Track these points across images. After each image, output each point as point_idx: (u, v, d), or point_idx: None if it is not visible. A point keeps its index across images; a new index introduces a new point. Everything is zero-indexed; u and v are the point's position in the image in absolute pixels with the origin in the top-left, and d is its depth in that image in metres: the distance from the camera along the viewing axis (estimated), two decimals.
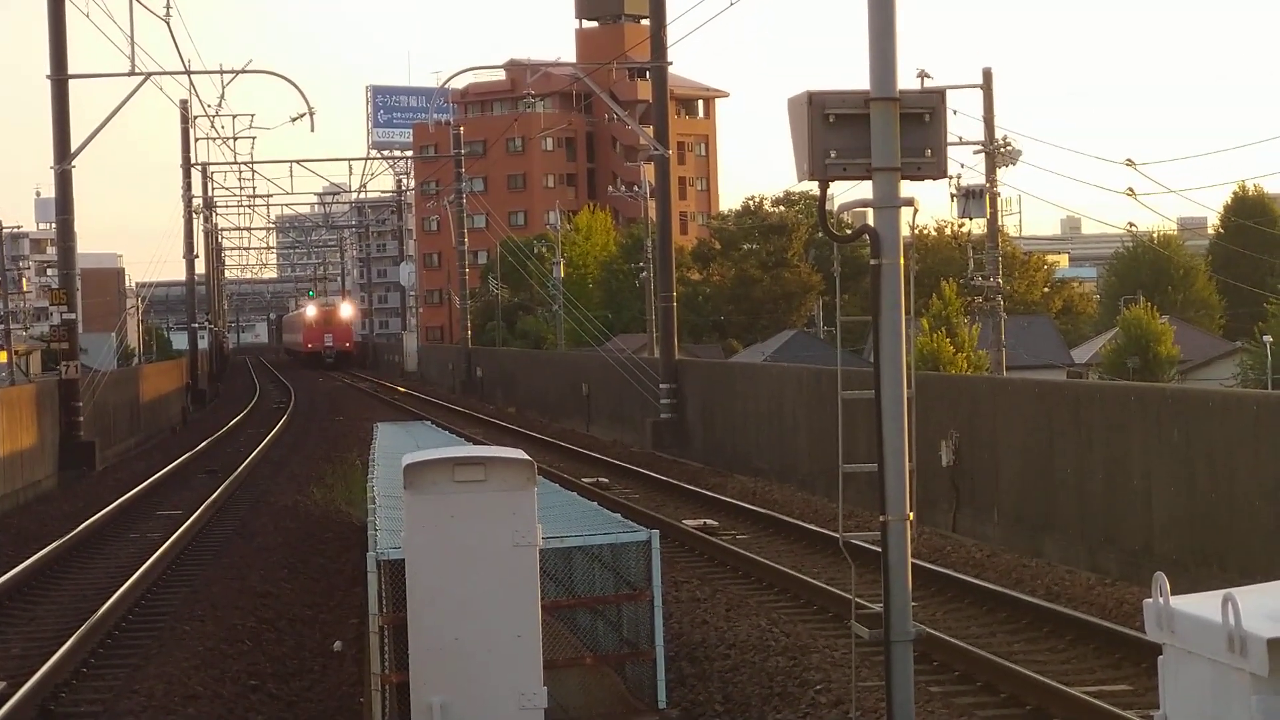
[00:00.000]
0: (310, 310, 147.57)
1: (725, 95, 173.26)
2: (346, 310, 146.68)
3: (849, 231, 13.33)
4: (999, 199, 53.63)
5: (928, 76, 49.90)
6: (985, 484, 27.35)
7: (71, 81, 46.38)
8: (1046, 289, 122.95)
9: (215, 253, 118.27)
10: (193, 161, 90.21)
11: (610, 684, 15.65)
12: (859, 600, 13.22)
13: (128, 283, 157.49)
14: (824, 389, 34.45)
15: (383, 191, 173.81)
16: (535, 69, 66.68)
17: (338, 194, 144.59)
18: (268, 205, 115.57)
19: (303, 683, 18.09)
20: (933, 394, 28.47)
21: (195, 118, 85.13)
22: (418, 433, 31.84)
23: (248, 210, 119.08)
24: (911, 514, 12.07)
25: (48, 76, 45.89)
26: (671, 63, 48.39)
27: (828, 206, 12.60)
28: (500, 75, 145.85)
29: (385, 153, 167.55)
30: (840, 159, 11.91)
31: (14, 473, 37.81)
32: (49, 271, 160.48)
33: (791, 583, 22.86)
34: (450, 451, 14.51)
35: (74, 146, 46.13)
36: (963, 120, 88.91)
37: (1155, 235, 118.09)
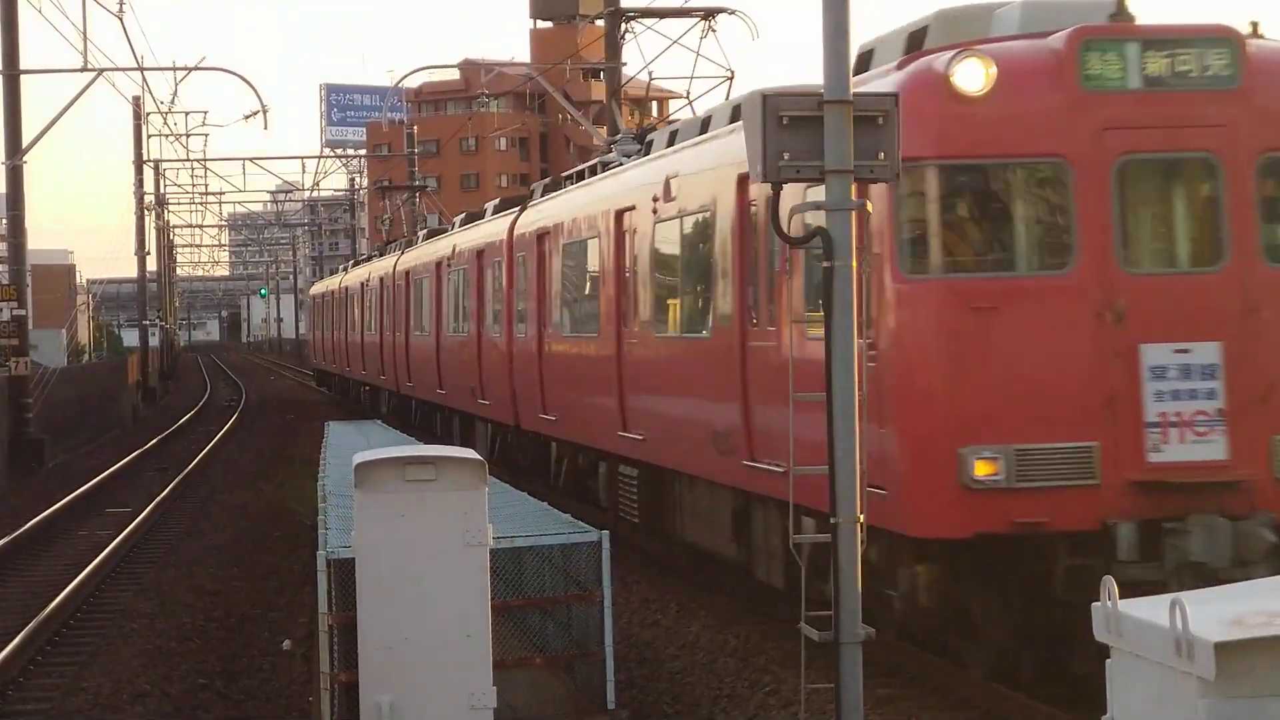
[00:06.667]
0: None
1: (679, 96, 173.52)
2: None
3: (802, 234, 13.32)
4: None
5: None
6: None
7: (24, 77, 46.13)
8: None
9: (167, 250, 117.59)
10: (145, 158, 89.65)
11: (559, 685, 15.65)
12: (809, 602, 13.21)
13: (79, 279, 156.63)
14: None
15: (336, 190, 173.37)
16: (489, 69, 66.57)
17: (290, 192, 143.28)
18: (220, 202, 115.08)
19: (252, 681, 18.03)
20: None
21: (148, 114, 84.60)
22: (369, 431, 31.74)
23: (200, 207, 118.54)
24: (862, 516, 12.09)
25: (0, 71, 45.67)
26: (625, 63, 48.34)
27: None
28: (454, 75, 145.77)
29: (339, 151, 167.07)
30: (793, 161, 11.92)
31: None
32: None
33: (742, 583, 22.83)
34: (401, 450, 14.46)
35: (25, 142, 45.87)
36: None
37: None
